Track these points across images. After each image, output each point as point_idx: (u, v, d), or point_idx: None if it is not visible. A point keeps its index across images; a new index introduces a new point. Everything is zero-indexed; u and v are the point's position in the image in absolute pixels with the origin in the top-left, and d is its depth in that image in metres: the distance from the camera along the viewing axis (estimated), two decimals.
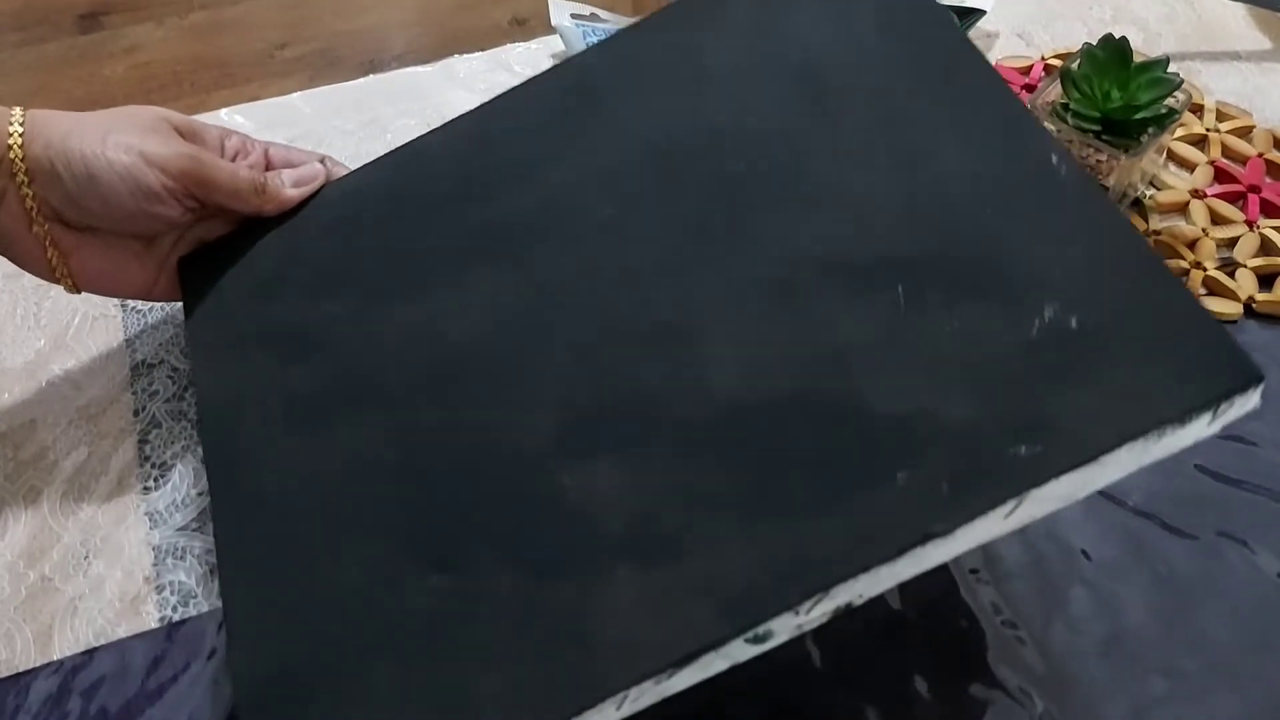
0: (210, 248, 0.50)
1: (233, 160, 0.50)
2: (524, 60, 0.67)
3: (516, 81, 0.65)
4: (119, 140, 0.45)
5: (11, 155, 0.43)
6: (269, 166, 0.51)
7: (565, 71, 0.50)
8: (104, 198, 0.45)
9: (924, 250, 0.39)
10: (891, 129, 0.42)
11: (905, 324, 0.37)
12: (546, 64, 0.67)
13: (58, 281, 0.47)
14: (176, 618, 0.45)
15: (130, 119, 0.46)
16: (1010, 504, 0.33)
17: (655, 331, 0.40)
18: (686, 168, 0.44)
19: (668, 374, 0.39)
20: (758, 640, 0.34)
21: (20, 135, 0.43)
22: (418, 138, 0.51)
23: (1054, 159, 0.38)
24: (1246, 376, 0.33)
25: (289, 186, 0.50)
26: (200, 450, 0.49)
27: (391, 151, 0.51)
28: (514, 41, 0.69)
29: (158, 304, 0.55)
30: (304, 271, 0.48)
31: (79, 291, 0.48)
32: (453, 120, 0.51)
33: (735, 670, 0.34)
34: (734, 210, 0.42)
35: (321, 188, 0.51)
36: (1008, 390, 0.35)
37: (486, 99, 0.64)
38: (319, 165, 0.52)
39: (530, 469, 0.39)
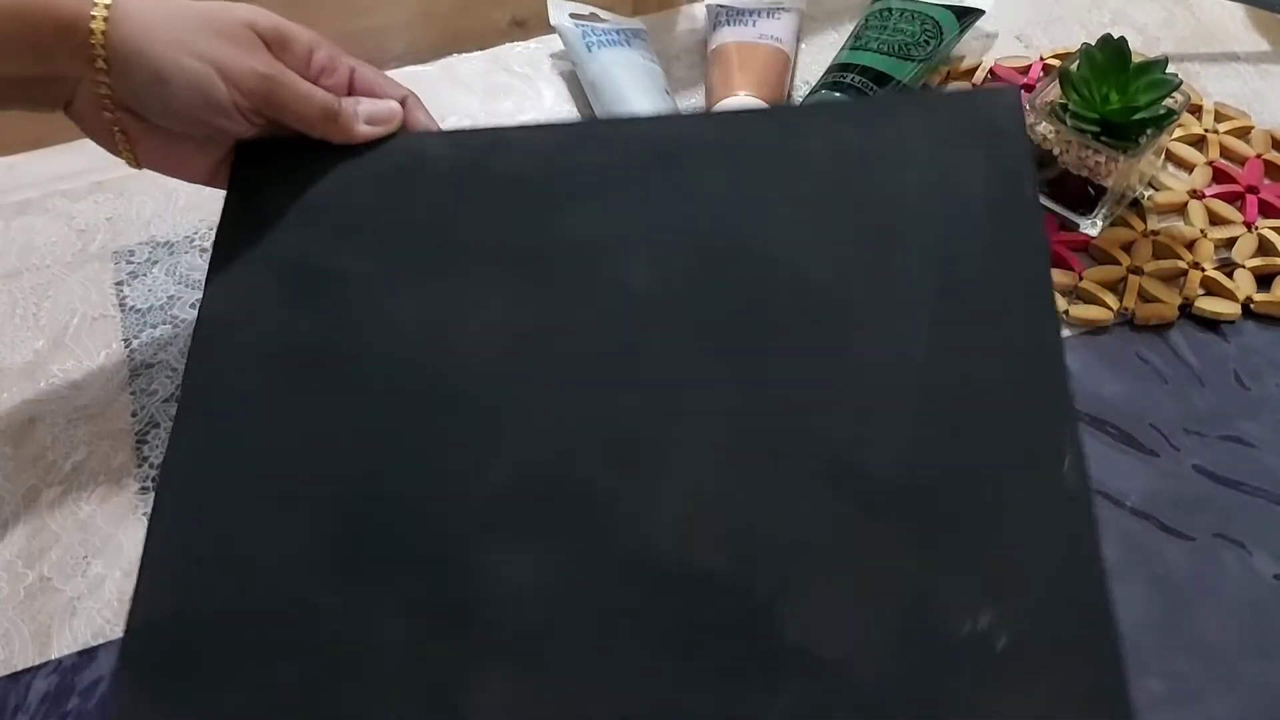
0: (271, 144, 0.49)
1: (317, 76, 0.48)
2: (524, 60, 0.67)
3: (517, 83, 0.66)
4: (195, 46, 0.43)
5: (93, 41, 0.42)
6: (351, 90, 0.50)
7: (661, 125, 0.50)
8: (167, 103, 0.44)
9: (907, 477, 0.38)
10: (936, 338, 0.40)
11: (855, 546, 0.37)
12: (546, 64, 0.67)
13: (120, 156, 0.47)
14: None
15: (214, 22, 0.45)
16: None
17: (627, 443, 0.40)
18: (733, 275, 0.43)
19: (623, 495, 0.39)
20: None
21: (105, 21, 0.42)
22: (501, 127, 0.51)
23: (1066, 462, 0.37)
24: None
25: (362, 121, 0.48)
26: None
27: (471, 129, 0.50)
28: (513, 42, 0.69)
29: (156, 305, 0.55)
30: (344, 213, 0.47)
31: (141, 168, 0.48)
32: (541, 125, 0.51)
33: None
34: (754, 347, 0.41)
35: (394, 133, 0.49)
36: (908, 683, 0.34)
37: (486, 101, 0.65)
38: (397, 106, 0.50)
39: (462, 527, 0.39)
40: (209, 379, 0.43)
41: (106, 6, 0.42)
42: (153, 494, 0.48)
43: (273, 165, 0.48)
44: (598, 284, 0.44)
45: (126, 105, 0.45)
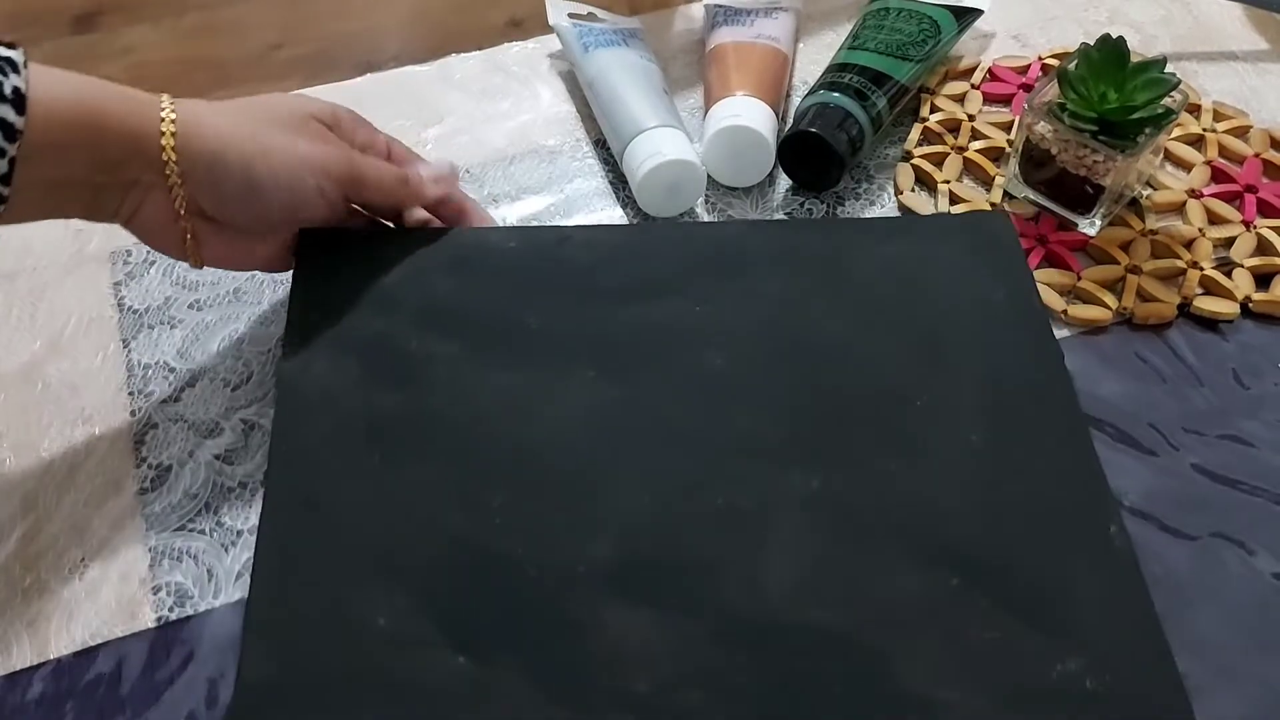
0: (331, 231, 0.49)
1: (363, 150, 0.50)
2: (521, 60, 0.67)
3: (514, 83, 0.66)
4: (275, 146, 0.45)
5: (165, 158, 0.43)
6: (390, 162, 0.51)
7: (722, 229, 0.53)
8: (253, 206, 0.45)
9: (983, 547, 0.41)
10: (987, 426, 0.44)
11: (949, 606, 0.40)
12: (544, 64, 0.67)
13: (184, 260, 0.47)
14: (173, 618, 0.45)
15: (277, 119, 0.46)
16: None
17: (723, 514, 0.42)
18: (805, 367, 0.46)
19: (726, 558, 0.41)
20: None
21: (173, 137, 0.43)
22: (564, 226, 0.55)
23: (1112, 529, 0.41)
24: None
25: (428, 182, 0.50)
26: (195, 452, 0.49)
27: (536, 226, 0.55)
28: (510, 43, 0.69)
29: (153, 305, 0.55)
30: (420, 298, 0.48)
31: (202, 267, 0.48)
32: (604, 226, 0.56)
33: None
34: (831, 430, 0.44)
35: (457, 217, 0.51)
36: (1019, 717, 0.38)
37: (483, 101, 0.65)
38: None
39: (574, 591, 0.40)
40: (298, 451, 0.44)
41: (173, 121, 0.43)
42: (150, 495, 0.48)
43: (337, 252, 0.50)
44: (677, 368, 0.46)
45: (201, 211, 0.45)
